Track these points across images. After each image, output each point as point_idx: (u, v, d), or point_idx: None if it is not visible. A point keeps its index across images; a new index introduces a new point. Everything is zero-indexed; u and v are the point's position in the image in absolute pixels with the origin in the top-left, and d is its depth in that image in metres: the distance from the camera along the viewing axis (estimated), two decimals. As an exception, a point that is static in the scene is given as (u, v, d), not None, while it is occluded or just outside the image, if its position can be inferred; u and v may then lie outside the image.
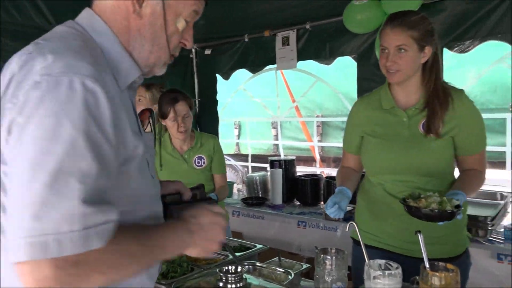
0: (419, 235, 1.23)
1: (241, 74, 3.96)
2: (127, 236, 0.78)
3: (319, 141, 5.09)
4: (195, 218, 0.94)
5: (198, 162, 2.37)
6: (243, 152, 5.85)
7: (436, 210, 1.34)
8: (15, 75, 0.75)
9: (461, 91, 1.60)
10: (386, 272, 1.18)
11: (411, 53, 1.51)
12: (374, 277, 1.18)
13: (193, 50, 3.92)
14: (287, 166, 3.31)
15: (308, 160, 5.04)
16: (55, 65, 0.72)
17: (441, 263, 1.20)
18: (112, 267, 0.75)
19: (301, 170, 3.69)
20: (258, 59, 3.58)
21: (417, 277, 1.20)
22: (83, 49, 0.79)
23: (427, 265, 1.18)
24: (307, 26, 3.17)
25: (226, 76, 3.87)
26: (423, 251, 1.20)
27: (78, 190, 0.68)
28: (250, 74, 3.84)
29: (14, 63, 0.78)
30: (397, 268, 1.20)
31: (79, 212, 0.68)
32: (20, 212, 0.66)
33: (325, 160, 5.08)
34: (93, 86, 0.73)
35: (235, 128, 5.97)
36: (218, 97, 3.98)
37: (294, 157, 3.50)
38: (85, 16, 0.90)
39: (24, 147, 0.69)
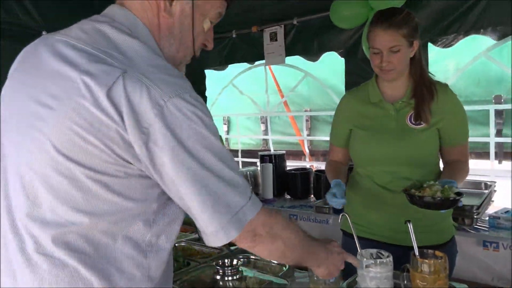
0: (408, 224, 1.27)
1: (231, 70, 3.97)
2: (296, 226, 0.97)
3: (308, 135, 5.12)
4: (329, 244, 1.11)
5: None
6: (232, 147, 5.85)
7: (439, 198, 1.36)
8: (114, 93, 0.73)
9: (446, 85, 1.65)
10: (378, 260, 1.22)
11: (403, 51, 1.55)
12: (367, 266, 1.22)
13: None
14: (277, 160, 3.34)
15: (298, 154, 5.06)
16: (165, 87, 0.75)
17: (430, 251, 1.24)
18: (287, 239, 0.92)
19: (290, 164, 3.71)
20: (246, 54, 3.59)
21: (408, 265, 1.24)
22: (161, 61, 0.81)
23: (417, 252, 1.23)
24: (295, 22, 3.20)
25: (221, 69, 3.90)
26: (413, 240, 1.24)
27: (237, 179, 0.82)
28: (239, 70, 3.86)
29: (104, 76, 0.74)
30: (388, 256, 1.23)
31: (245, 189, 0.84)
32: (211, 210, 0.79)
33: (314, 154, 5.12)
34: (194, 95, 0.78)
35: (224, 124, 5.95)
36: (207, 93, 3.99)
37: (284, 152, 3.53)
38: (122, 15, 0.85)
39: (179, 164, 0.76)
